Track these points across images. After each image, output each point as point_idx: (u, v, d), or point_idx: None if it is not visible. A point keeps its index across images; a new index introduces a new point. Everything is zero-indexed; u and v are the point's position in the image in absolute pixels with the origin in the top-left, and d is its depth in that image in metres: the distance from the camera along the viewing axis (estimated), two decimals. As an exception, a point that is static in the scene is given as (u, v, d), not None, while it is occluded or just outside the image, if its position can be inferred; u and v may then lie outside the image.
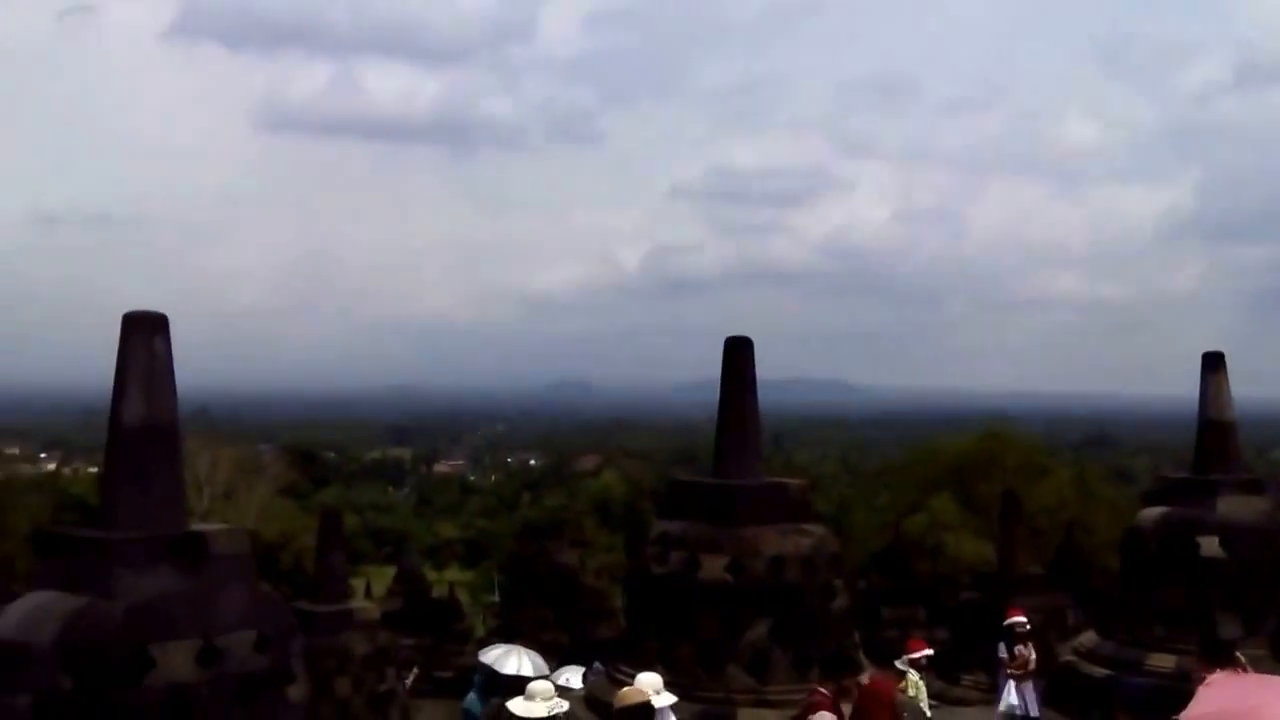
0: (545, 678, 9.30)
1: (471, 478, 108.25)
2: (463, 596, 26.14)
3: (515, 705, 7.51)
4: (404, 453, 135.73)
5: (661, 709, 7.51)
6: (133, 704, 6.34)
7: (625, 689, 7.41)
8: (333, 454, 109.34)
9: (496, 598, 29.99)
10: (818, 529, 10.66)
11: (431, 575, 27.99)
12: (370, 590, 21.18)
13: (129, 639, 6.35)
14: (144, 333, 6.98)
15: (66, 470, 55.56)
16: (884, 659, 11.04)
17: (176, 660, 6.44)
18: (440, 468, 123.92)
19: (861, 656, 10.10)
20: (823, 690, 6.83)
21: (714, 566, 10.03)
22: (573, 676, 8.77)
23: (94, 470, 44.64)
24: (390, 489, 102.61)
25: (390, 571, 29.37)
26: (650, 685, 7.50)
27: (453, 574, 46.22)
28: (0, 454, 36.22)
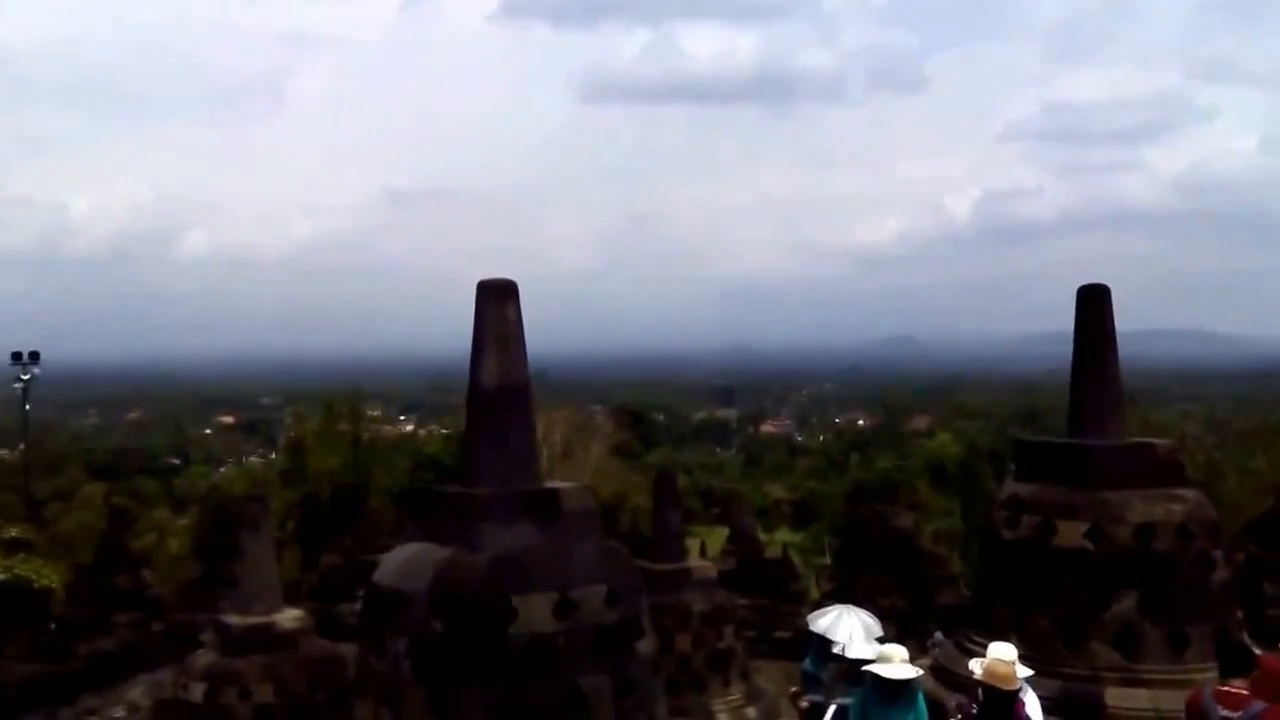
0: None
1: (799, 438, 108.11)
2: (794, 558, 26.06)
3: (881, 668, 7.24)
4: (730, 413, 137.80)
5: (1020, 683, 7.06)
6: (497, 649, 6.64)
7: (991, 661, 7.00)
8: (661, 415, 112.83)
9: (828, 560, 29.73)
10: (1191, 493, 9.62)
11: (761, 536, 28.14)
12: (704, 550, 21.53)
13: (493, 588, 6.66)
14: (497, 299, 7.28)
15: (423, 431, 60.44)
16: (1270, 641, 9.84)
17: (535, 610, 6.68)
18: (767, 428, 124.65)
19: (1247, 638, 9.02)
20: (1232, 687, 6.09)
21: (1071, 533, 9.28)
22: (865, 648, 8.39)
23: (445, 432, 48.25)
24: (717, 449, 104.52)
25: (720, 532, 29.80)
26: (1006, 657, 7.05)
27: (782, 535, 46.34)
28: (364, 417, 39.79)
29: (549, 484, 7.59)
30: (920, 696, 7.46)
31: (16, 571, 22.88)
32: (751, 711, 13.17)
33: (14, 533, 26.29)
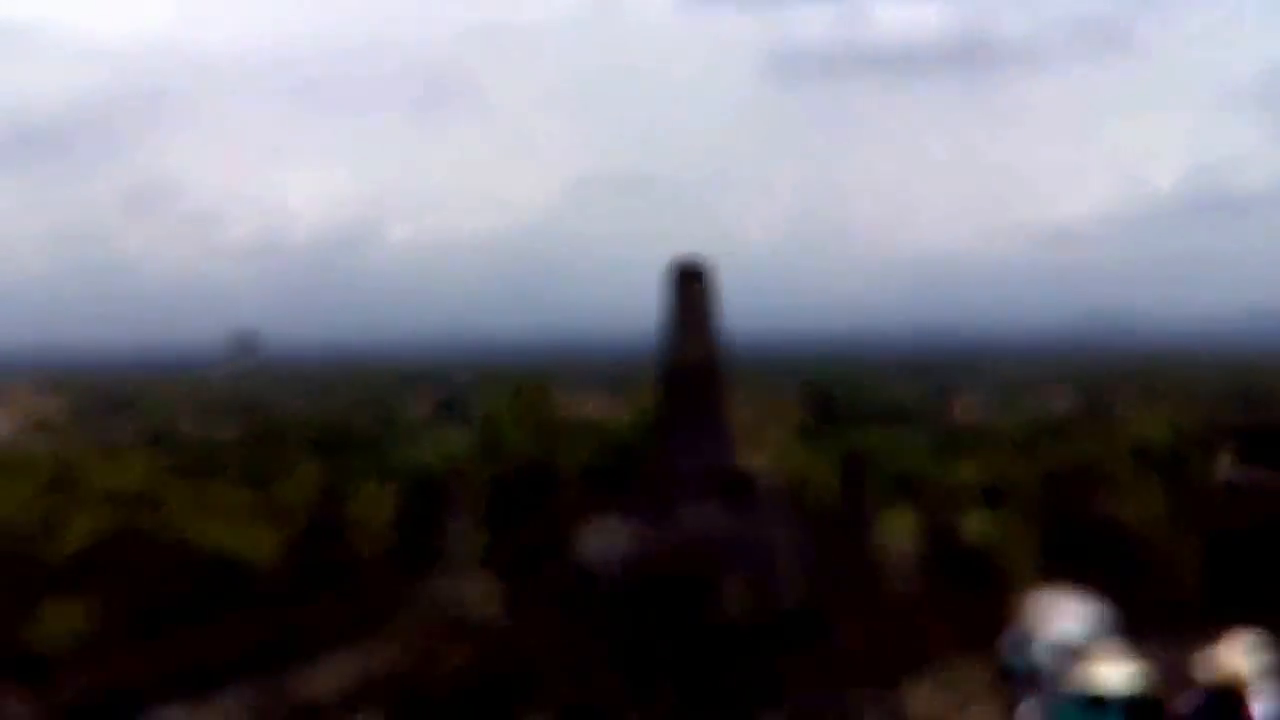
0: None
1: (992, 419, 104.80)
2: (989, 543, 25.27)
3: (1101, 672, 6.86)
4: (920, 392, 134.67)
5: (1258, 673, 6.58)
6: (693, 623, 6.67)
7: (1219, 657, 6.58)
8: (847, 395, 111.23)
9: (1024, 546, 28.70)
10: None
11: (952, 520, 27.42)
12: (894, 533, 21.09)
13: (687, 567, 6.68)
14: (689, 279, 7.29)
15: (612, 412, 61.33)
16: None
17: (729, 589, 6.66)
18: (958, 408, 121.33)
19: None
20: None
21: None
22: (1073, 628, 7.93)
23: (634, 412, 48.74)
24: (907, 430, 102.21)
25: (909, 515, 29.12)
26: (1236, 653, 6.58)
27: (973, 519, 45.03)
28: (554, 397, 40.75)
29: (742, 465, 7.54)
30: (1134, 696, 7.06)
31: (238, 541, 24.59)
32: (946, 698, 12.87)
33: (237, 504, 28.28)
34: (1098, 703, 6.82)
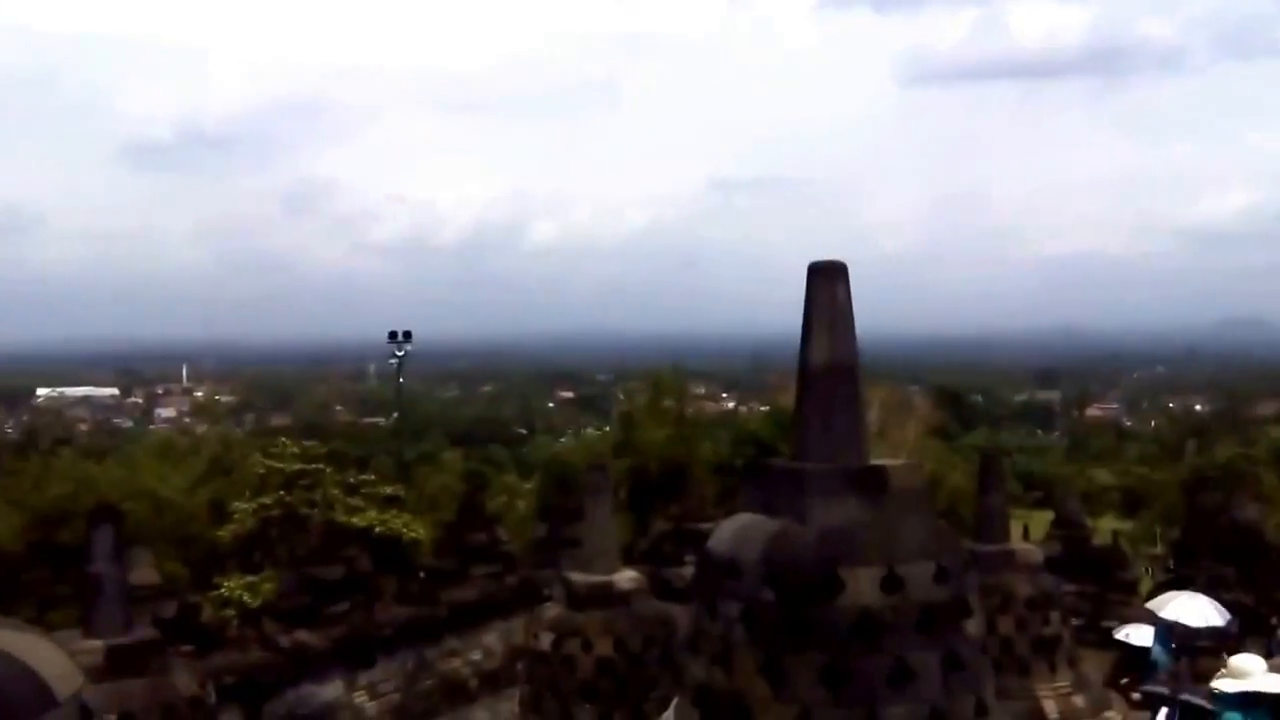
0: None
1: (1128, 423, 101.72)
2: (1124, 546, 24.67)
3: (1249, 672, 6.92)
4: (1053, 396, 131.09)
5: None
6: (825, 621, 6.96)
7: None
8: (979, 397, 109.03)
9: (1159, 549, 27.86)
10: None
11: (1087, 523, 26.81)
12: (1028, 534, 20.84)
13: (821, 561, 6.98)
14: (828, 280, 7.58)
15: (744, 409, 61.75)
16: None
17: (863, 584, 6.94)
18: (1093, 412, 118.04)
19: None
20: None
21: None
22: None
23: (765, 409, 49.04)
24: (1039, 433, 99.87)
25: (1043, 516, 28.62)
26: None
27: (1109, 522, 43.81)
28: (689, 394, 41.23)
29: (876, 461, 7.80)
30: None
31: (389, 525, 25.82)
32: (1079, 700, 12.76)
33: (388, 490, 29.63)
34: (1251, 701, 6.88)
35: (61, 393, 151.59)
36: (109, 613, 10.30)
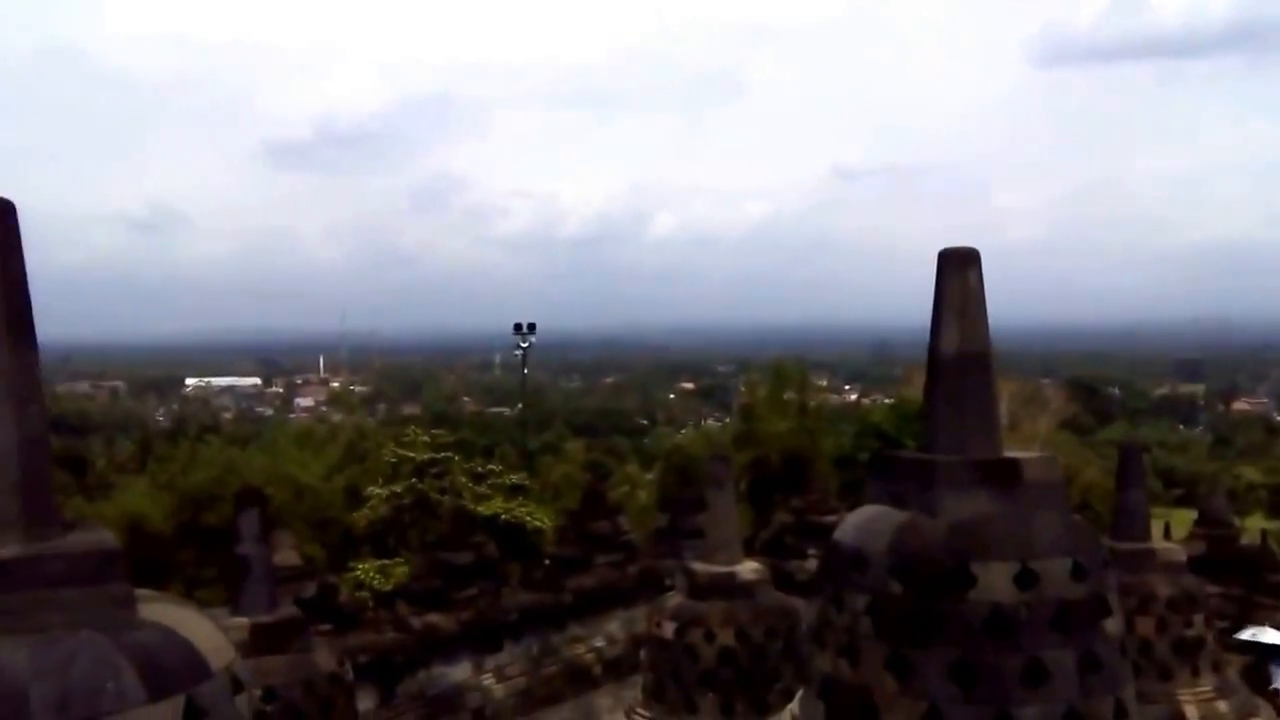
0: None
1: (1278, 417, 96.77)
2: (1275, 547, 23.49)
3: None
4: (1196, 389, 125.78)
5: None
6: (956, 615, 6.83)
7: None
8: (1116, 389, 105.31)
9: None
10: None
11: (1234, 521, 25.62)
12: (1169, 532, 20.02)
13: (952, 554, 6.85)
14: (960, 266, 7.42)
15: (866, 400, 60.94)
16: None
17: (996, 579, 6.79)
18: (1240, 406, 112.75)
19: None
20: None
21: None
22: None
23: (889, 401, 48.29)
24: (1181, 427, 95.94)
25: (1185, 514, 27.52)
26: None
27: (1257, 521, 41.79)
28: (811, 385, 40.83)
29: (1010, 453, 7.61)
30: None
31: (515, 512, 26.33)
32: (1223, 706, 12.23)
33: (513, 479, 30.22)
34: None
35: (208, 383, 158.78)
36: (255, 592, 10.77)
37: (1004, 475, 7.11)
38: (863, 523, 7.58)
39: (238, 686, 5.05)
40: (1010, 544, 6.85)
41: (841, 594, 7.43)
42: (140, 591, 5.04)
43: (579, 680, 19.56)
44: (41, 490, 4.89)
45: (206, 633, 5.09)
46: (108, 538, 4.99)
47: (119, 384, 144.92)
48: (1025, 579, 6.77)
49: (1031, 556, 6.81)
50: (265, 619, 10.68)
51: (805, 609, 14.16)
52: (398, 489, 28.66)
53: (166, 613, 5.04)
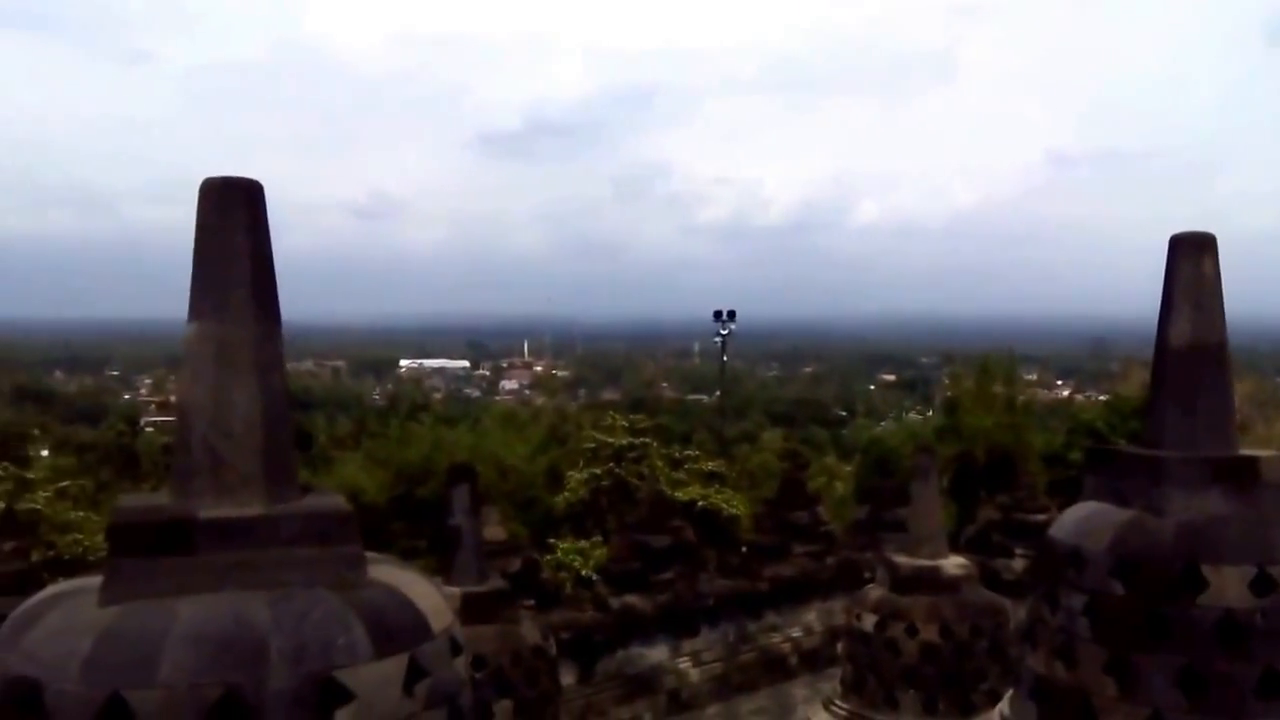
0: None
1: None
2: None
3: None
4: None
5: None
6: (1183, 620, 6.43)
7: None
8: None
9: None
10: None
11: None
12: None
13: (1181, 556, 6.46)
14: (1194, 252, 6.97)
15: (1080, 397, 58.09)
16: None
17: (1229, 584, 6.36)
18: None
19: None
20: None
21: None
22: None
23: (1104, 399, 45.88)
24: None
25: None
26: None
27: None
28: (1020, 380, 39.17)
29: (1246, 451, 7.11)
30: None
31: (711, 500, 26.43)
32: None
33: (710, 466, 30.35)
34: None
35: (420, 364, 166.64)
36: (465, 563, 11.23)
37: (1240, 474, 6.64)
38: (1081, 520, 7.22)
39: (456, 649, 5.27)
40: (1246, 547, 6.40)
41: (1057, 593, 7.12)
42: (368, 554, 5.34)
43: (774, 669, 19.51)
44: (282, 454, 5.24)
45: (429, 596, 5.34)
46: (340, 502, 5.31)
47: (340, 363, 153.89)
48: (1262, 584, 6.30)
49: (1270, 561, 6.34)
50: (476, 589, 11.11)
51: (1015, 609, 13.65)
52: (597, 472, 29.22)
53: (392, 574, 5.32)
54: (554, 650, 12.07)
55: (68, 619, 4.57)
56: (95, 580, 4.79)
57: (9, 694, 4.42)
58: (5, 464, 27.05)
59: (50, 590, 4.99)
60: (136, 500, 5.25)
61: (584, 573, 20.63)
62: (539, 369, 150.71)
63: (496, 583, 11.59)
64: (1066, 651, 7.01)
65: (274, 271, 5.37)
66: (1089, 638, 6.84)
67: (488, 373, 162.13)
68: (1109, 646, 6.74)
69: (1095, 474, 7.68)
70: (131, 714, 4.26)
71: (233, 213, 5.17)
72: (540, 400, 59.21)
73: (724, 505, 26.36)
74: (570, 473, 30.25)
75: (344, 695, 4.55)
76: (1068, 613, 7.01)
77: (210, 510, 4.91)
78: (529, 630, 11.59)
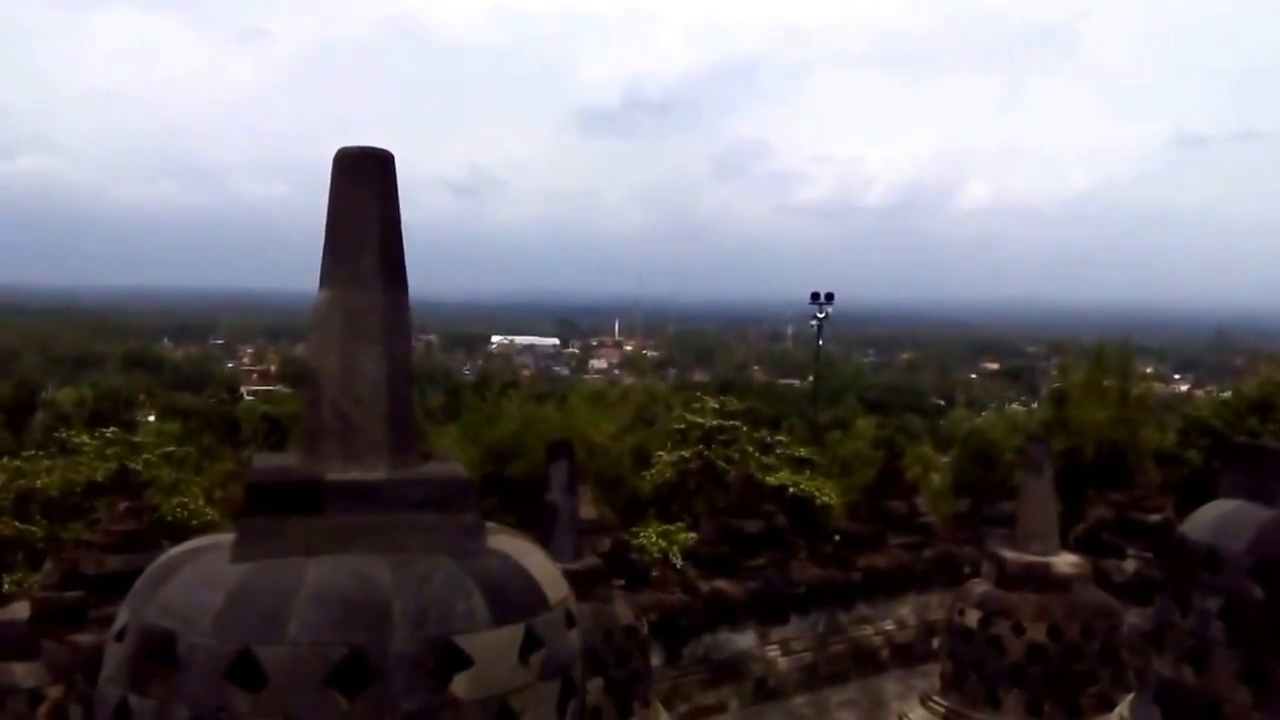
0: None
1: None
2: None
3: None
4: None
5: None
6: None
7: None
8: None
9: None
10: None
11: None
12: None
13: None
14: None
15: (1199, 392, 56.03)
16: None
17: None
18: None
19: None
20: None
21: None
22: None
23: (1225, 394, 44.15)
24: None
25: None
26: None
27: None
28: (1135, 372, 37.74)
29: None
30: None
31: (802, 486, 26.08)
32: None
33: (802, 452, 29.96)
34: None
35: (511, 340, 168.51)
36: (562, 539, 11.21)
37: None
38: (1218, 518, 6.90)
39: (571, 621, 5.22)
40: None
41: (1188, 594, 6.81)
42: (486, 523, 5.31)
43: (865, 662, 19.19)
44: (406, 420, 5.23)
45: (544, 567, 5.29)
46: (460, 469, 5.28)
47: (432, 337, 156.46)
48: None
49: None
50: (572, 566, 11.09)
51: (1130, 612, 13.21)
52: (685, 454, 29.05)
53: (510, 544, 5.29)
54: (646, 630, 12.02)
55: (201, 574, 4.64)
56: (228, 537, 4.86)
57: (144, 644, 4.50)
58: (114, 429, 27.97)
59: (185, 545, 5.07)
60: (269, 461, 5.30)
61: (670, 558, 20.49)
62: (629, 348, 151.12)
63: (591, 560, 11.58)
64: (1197, 656, 6.71)
65: (402, 241, 5.37)
66: (1223, 642, 6.53)
67: (577, 351, 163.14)
68: (1245, 652, 6.43)
69: (1235, 470, 7.32)
70: (260, 669, 4.30)
71: (365, 182, 5.20)
72: (629, 380, 59.23)
73: (815, 493, 25.96)
74: (658, 453, 30.11)
75: (463, 661, 4.54)
76: (1200, 615, 6.70)
77: (337, 473, 4.93)
78: (622, 609, 11.56)
